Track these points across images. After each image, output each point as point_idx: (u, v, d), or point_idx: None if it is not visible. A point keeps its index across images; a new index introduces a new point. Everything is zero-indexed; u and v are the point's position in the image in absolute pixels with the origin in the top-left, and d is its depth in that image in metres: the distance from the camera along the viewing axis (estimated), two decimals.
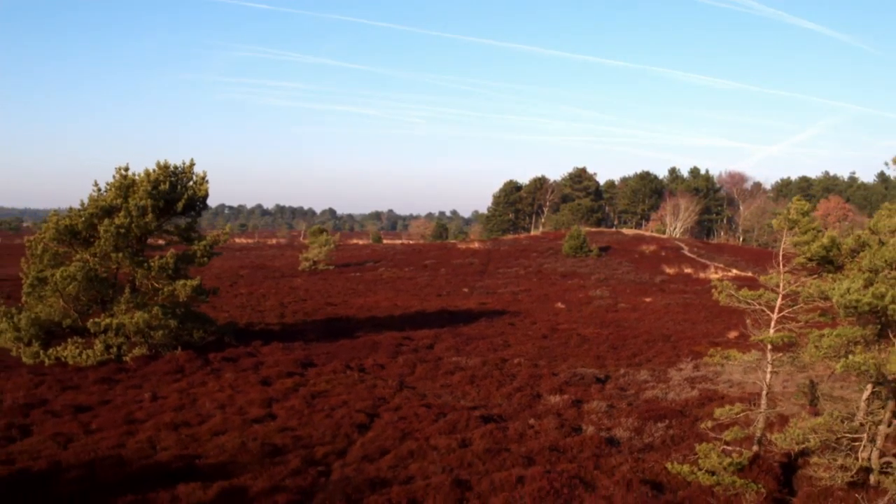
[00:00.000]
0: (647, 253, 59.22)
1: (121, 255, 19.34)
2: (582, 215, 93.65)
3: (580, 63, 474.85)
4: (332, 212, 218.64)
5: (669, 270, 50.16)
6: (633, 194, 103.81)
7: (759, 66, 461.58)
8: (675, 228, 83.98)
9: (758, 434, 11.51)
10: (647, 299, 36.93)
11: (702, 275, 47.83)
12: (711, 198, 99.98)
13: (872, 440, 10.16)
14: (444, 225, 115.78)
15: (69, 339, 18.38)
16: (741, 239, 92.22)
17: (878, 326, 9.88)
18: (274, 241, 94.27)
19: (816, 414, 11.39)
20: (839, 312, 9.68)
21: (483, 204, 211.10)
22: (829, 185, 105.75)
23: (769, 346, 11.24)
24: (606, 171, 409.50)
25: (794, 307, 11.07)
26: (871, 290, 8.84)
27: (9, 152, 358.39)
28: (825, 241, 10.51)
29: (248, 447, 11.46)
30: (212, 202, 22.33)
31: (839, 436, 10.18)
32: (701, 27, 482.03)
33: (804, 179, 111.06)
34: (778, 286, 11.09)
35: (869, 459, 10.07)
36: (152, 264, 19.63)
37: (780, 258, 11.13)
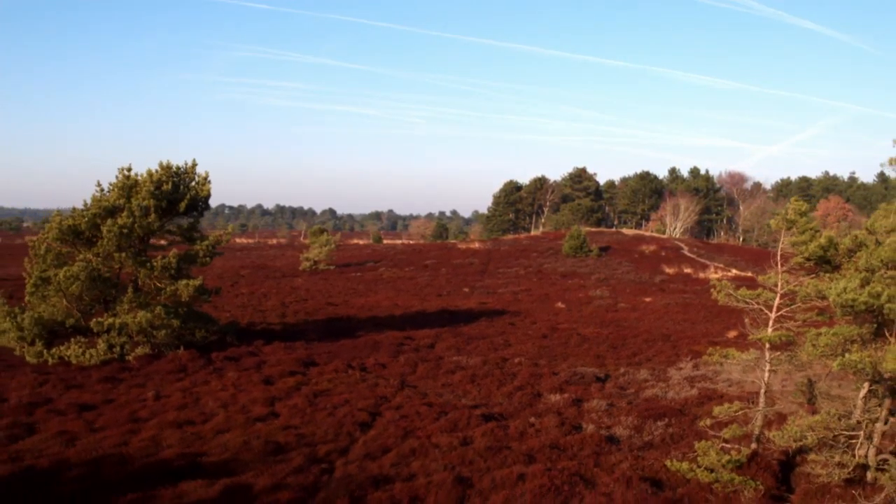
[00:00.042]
0: (647, 253, 59.33)
1: (124, 254, 19.45)
2: (582, 215, 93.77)
3: (580, 63, 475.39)
4: (332, 212, 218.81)
5: (669, 270, 50.28)
6: (633, 194, 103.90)
7: (759, 66, 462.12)
8: (674, 228, 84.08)
9: (756, 432, 11.63)
10: (647, 299, 37.03)
11: (701, 275, 47.94)
12: (711, 198, 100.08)
13: (869, 437, 10.27)
14: (444, 225, 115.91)
15: (72, 339, 18.50)
16: (741, 239, 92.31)
17: (875, 325, 9.99)
18: (274, 241, 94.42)
19: (814, 412, 11.50)
20: (836, 311, 9.80)
21: (483, 204, 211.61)
22: (828, 186, 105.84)
23: (767, 345, 11.34)
24: (606, 171, 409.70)
25: (792, 306, 11.18)
26: (868, 290, 8.95)
27: (9, 152, 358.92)
28: (822, 241, 10.62)
29: (251, 445, 11.57)
30: (212, 202, 22.41)
31: (836, 433, 10.28)
32: (701, 27, 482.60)
33: (804, 179, 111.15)
34: (776, 286, 11.19)
35: (866, 456, 10.17)
36: (155, 264, 19.73)
37: (779, 258, 11.24)
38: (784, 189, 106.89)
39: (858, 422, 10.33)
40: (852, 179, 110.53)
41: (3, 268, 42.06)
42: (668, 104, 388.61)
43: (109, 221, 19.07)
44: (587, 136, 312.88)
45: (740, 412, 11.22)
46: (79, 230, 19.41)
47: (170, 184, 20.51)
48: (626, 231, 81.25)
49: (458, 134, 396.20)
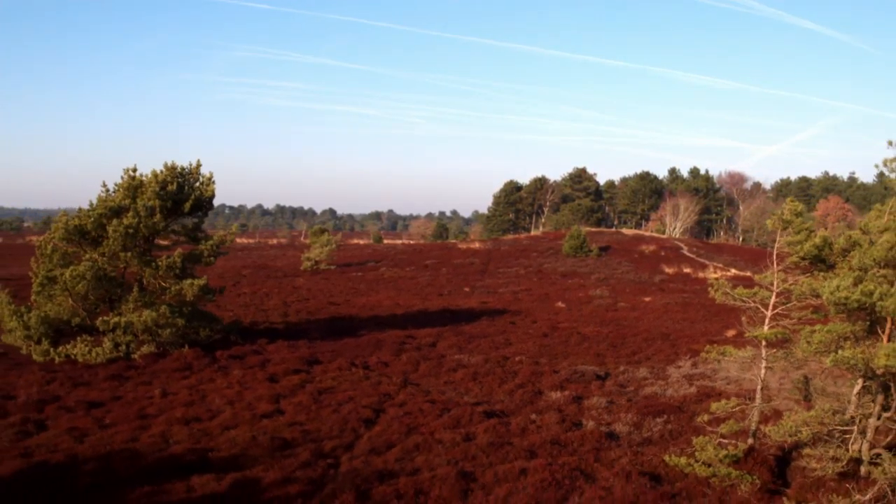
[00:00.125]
0: (647, 253, 59.55)
1: (129, 254, 19.69)
2: (582, 215, 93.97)
3: (580, 63, 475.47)
4: (332, 212, 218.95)
5: (669, 270, 50.51)
6: (633, 194, 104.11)
7: (759, 66, 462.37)
8: (674, 228, 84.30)
9: (753, 427, 11.86)
10: (647, 298, 37.27)
11: (701, 274, 48.18)
12: (711, 198, 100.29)
13: (863, 432, 10.49)
14: (444, 225, 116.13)
15: (78, 337, 18.74)
16: (741, 239, 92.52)
17: (867, 323, 10.21)
18: (275, 241, 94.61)
19: (810, 408, 11.73)
20: (830, 309, 10.02)
21: (483, 204, 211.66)
22: (828, 186, 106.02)
23: (764, 343, 11.57)
24: (606, 171, 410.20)
25: (788, 305, 11.40)
26: (860, 288, 9.17)
27: (9, 152, 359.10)
28: (817, 240, 10.85)
29: (258, 441, 11.81)
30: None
31: (830, 428, 10.51)
32: (701, 27, 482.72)
33: (804, 179, 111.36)
34: (772, 284, 11.42)
35: (859, 451, 10.39)
36: (160, 264, 19.97)
37: (775, 257, 11.47)
38: (784, 189, 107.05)
39: (852, 417, 10.56)
40: (852, 179, 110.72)
41: (4, 267, 42.25)
42: (668, 104, 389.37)
43: (115, 221, 19.31)
44: (587, 136, 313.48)
45: (737, 408, 11.47)
46: (85, 230, 19.64)
47: (174, 184, 20.76)
48: (625, 231, 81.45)
49: (458, 134, 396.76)
